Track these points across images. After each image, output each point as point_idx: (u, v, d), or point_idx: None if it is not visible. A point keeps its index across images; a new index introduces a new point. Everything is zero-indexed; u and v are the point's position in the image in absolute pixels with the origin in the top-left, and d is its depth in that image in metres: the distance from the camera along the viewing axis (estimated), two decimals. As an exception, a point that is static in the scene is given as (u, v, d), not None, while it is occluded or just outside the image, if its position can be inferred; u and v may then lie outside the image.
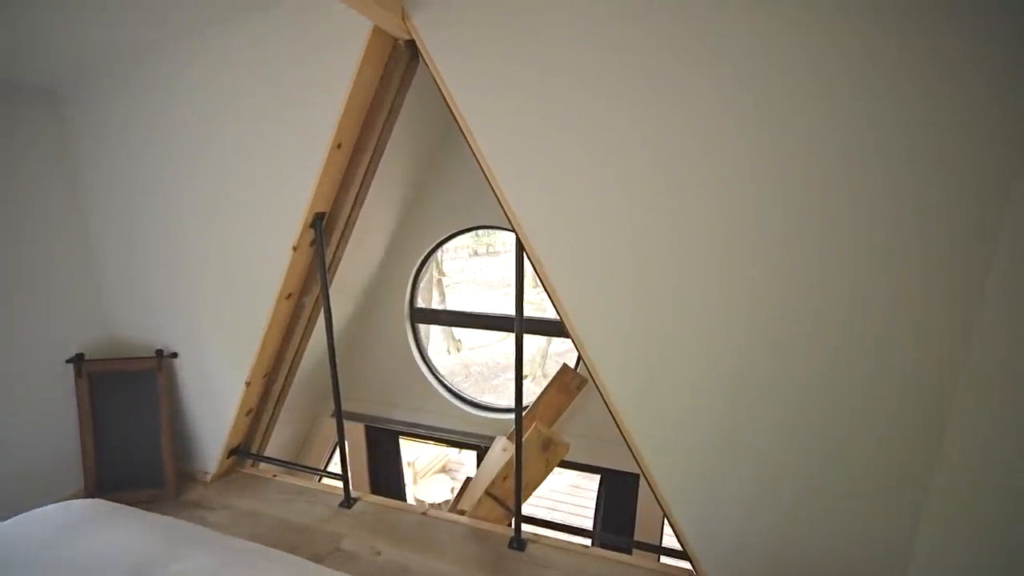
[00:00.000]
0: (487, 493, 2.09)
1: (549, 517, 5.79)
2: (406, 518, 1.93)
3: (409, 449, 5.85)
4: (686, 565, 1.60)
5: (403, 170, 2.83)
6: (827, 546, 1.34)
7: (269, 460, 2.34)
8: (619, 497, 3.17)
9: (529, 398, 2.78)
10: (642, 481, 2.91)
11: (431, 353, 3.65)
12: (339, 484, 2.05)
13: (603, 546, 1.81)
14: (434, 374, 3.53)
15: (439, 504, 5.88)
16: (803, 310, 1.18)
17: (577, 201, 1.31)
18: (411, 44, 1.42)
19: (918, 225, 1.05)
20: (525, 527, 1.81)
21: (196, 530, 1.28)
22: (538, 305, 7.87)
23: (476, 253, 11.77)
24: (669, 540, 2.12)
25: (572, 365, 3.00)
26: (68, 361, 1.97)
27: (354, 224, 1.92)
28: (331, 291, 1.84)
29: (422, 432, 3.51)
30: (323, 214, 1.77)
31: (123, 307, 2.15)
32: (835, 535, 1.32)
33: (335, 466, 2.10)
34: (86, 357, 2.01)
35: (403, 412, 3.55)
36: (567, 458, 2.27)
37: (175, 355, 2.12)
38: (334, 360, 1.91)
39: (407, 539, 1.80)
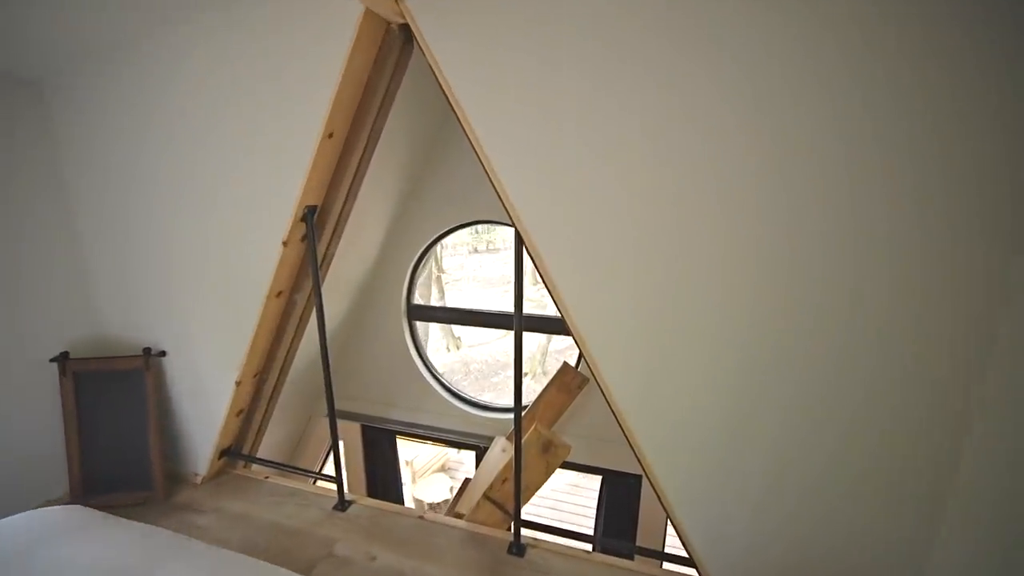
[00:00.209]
0: (486, 497, 2.04)
1: (549, 517, 5.76)
2: (402, 522, 1.87)
3: (407, 448, 5.82)
4: (690, 572, 1.55)
5: (399, 160, 2.75)
6: (830, 547, 1.31)
7: (261, 461, 2.29)
8: (621, 499, 3.13)
9: (529, 396, 2.73)
10: (645, 483, 2.88)
11: (430, 351, 3.60)
12: (333, 486, 2.00)
13: (604, 551, 1.76)
14: (432, 373, 3.47)
15: (438, 504, 5.84)
16: (805, 304, 1.16)
17: (577, 194, 1.28)
18: (405, 27, 1.36)
19: (918, 217, 1.04)
20: (525, 532, 1.76)
21: (178, 539, 1.23)
22: (538, 302, 7.85)
23: (476, 250, 11.74)
24: (672, 547, 2.07)
25: (573, 363, 2.95)
26: (52, 360, 1.91)
27: (347, 218, 1.86)
28: (324, 288, 1.78)
29: (420, 432, 3.46)
30: (314, 207, 1.70)
31: (109, 304, 2.08)
32: (839, 535, 1.30)
33: (330, 467, 2.04)
34: (71, 355, 1.95)
35: (400, 412, 3.49)
36: (567, 459, 2.22)
37: (163, 354, 2.05)
38: (327, 359, 1.85)
39: (403, 543, 1.75)
